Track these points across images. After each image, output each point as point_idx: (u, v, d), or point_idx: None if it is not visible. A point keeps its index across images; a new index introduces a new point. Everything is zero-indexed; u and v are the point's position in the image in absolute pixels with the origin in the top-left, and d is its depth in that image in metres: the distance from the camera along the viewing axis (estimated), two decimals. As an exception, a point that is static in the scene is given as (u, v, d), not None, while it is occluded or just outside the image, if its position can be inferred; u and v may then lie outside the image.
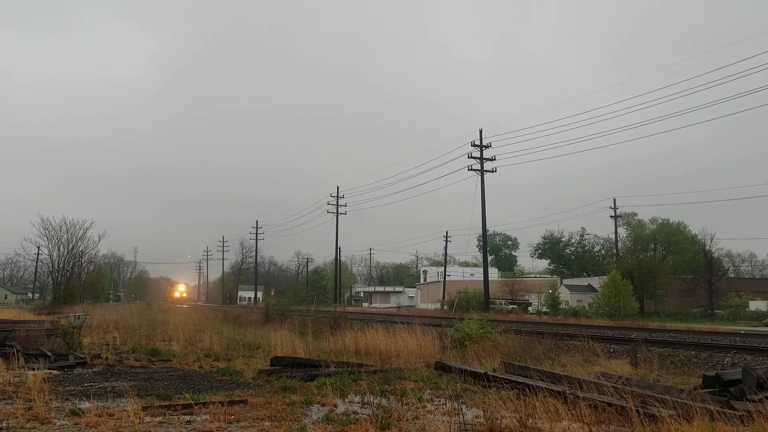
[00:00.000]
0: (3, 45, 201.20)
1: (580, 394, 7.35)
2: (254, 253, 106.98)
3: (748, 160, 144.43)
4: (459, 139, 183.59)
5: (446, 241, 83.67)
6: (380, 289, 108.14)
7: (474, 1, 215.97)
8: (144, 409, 7.00)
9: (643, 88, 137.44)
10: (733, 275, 78.93)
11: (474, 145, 48.99)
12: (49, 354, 12.60)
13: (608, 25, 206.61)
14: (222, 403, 7.44)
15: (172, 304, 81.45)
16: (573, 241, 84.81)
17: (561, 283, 74.33)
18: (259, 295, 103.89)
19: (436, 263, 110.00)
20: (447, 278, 78.10)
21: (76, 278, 51.34)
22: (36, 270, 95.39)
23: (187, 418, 6.85)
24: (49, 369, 10.97)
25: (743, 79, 33.05)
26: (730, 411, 6.53)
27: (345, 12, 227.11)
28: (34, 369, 10.45)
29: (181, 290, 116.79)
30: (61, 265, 51.00)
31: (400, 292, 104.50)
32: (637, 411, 6.25)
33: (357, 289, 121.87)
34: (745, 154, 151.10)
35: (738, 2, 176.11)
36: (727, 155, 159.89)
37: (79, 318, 18.71)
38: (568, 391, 7.55)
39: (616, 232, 69.63)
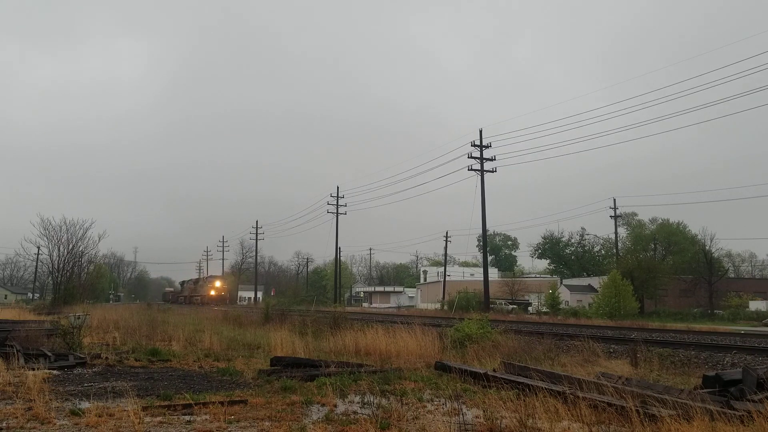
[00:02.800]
0: (9, 52, 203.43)
1: (580, 394, 7.35)
2: (254, 253, 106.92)
3: (747, 160, 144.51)
4: (455, 141, 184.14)
5: (446, 241, 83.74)
6: (380, 289, 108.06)
7: (460, 17, 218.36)
8: (144, 409, 7.00)
9: (641, 89, 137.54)
10: (733, 275, 79.02)
11: (474, 145, 48.97)
12: (49, 354, 12.59)
13: (592, 34, 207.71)
14: (222, 403, 7.44)
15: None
16: (573, 241, 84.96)
17: (561, 283, 74.38)
18: (259, 295, 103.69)
19: (436, 263, 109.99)
20: (447, 278, 78.10)
21: (76, 278, 51.38)
22: (36, 270, 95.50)
23: (187, 418, 6.85)
24: (49, 369, 10.97)
25: (741, 80, 33.06)
26: (730, 411, 6.53)
27: (341, 17, 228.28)
28: (34, 369, 10.44)
29: (217, 286, 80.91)
30: (61, 265, 51.04)
31: (400, 292, 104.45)
32: (637, 411, 6.26)
33: (357, 289, 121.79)
34: (745, 154, 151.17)
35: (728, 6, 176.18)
36: (726, 155, 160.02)
37: (79, 318, 18.71)
38: (568, 391, 7.55)
39: (616, 232, 69.71)
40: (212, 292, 78.92)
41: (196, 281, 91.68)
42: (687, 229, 70.70)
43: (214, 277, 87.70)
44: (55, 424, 6.43)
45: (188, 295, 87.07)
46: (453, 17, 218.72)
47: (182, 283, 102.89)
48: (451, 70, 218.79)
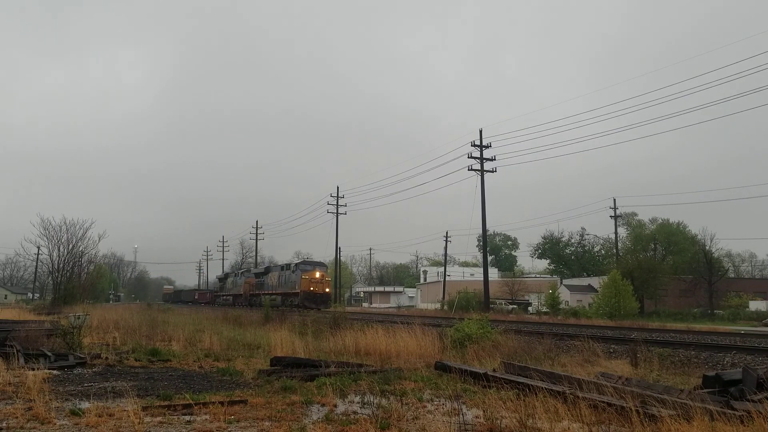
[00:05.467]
0: (13, 58, 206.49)
1: (580, 394, 7.35)
2: (254, 253, 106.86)
3: (747, 160, 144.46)
4: (454, 141, 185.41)
5: (446, 241, 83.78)
6: (380, 289, 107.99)
7: (452, 30, 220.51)
8: (144, 409, 7.00)
9: (638, 91, 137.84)
10: (733, 275, 79.03)
11: (474, 145, 48.96)
12: (49, 354, 12.59)
13: (577, 42, 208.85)
14: (222, 403, 7.44)
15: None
16: (573, 241, 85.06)
17: (561, 283, 74.44)
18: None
19: (436, 263, 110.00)
20: (447, 278, 78.11)
21: (76, 278, 51.36)
22: (36, 270, 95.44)
23: (187, 418, 6.85)
24: (49, 369, 10.97)
25: (738, 81, 33.05)
26: (730, 411, 6.53)
27: (339, 22, 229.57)
28: (34, 369, 10.43)
29: (317, 278, 49.53)
30: (61, 265, 51.05)
31: (400, 292, 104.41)
32: (637, 411, 6.26)
33: (357, 289, 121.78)
34: (744, 154, 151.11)
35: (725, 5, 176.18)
36: (726, 155, 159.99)
37: (79, 318, 18.66)
38: (568, 391, 7.55)
39: (616, 232, 69.74)
40: (312, 288, 47.38)
41: (266, 271, 59.20)
42: (687, 229, 70.79)
43: (314, 265, 51.40)
44: (55, 424, 6.43)
45: (247, 293, 58.62)
46: (445, 30, 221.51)
47: (225, 277, 73.42)
48: (448, 78, 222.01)
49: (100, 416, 6.70)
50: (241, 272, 67.40)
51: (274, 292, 52.56)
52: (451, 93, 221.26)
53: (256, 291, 58.02)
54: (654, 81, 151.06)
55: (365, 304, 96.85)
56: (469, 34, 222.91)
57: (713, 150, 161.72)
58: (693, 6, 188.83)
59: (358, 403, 8.01)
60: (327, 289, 49.43)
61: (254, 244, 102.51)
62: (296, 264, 51.77)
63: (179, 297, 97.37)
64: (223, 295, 69.57)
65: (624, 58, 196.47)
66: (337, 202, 73.94)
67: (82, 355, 12.87)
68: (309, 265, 51.59)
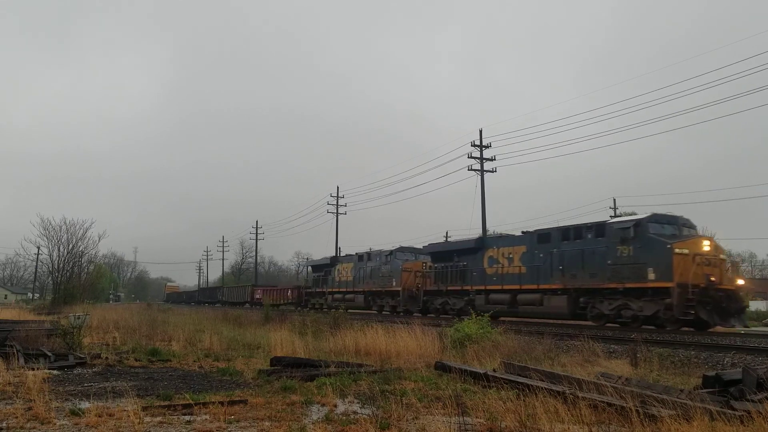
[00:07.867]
0: (17, 63, 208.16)
1: (580, 394, 7.35)
2: (254, 253, 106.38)
3: (747, 160, 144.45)
4: (454, 142, 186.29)
5: (446, 241, 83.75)
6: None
7: (451, 31, 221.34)
8: (144, 409, 7.00)
9: (639, 91, 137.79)
10: (733, 275, 78.93)
11: (474, 145, 48.95)
12: (49, 354, 12.59)
13: (567, 48, 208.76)
14: (222, 403, 7.44)
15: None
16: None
17: (561, 283, 74.23)
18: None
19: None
20: (447, 278, 77.62)
21: (76, 278, 51.30)
22: (36, 270, 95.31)
23: (187, 418, 6.85)
24: (49, 369, 10.97)
25: (740, 80, 33.03)
26: (730, 411, 6.54)
27: (340, 22, 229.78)
28: (34, 369, 10.42)
29: (704, 252, 19.43)
30: (61, 265, 50.99)
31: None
32: (637, 411, 6.26)
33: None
34: (745, 154, 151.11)
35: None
36: (726, 155, 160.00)
37: (79, 318, 18.67)
38: (567, 391, 7.55)
39: (616, 232, 69.56)
40: (712, 278, 19.65)
41: (478, 246, 27.92)
42: (687, 229, 70.66)
43: (678, 225, 20.72)
44: (55, 424, 6.43)
45: (412, 287, 32.73)
46: (444, 34, 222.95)
47: (332, 264, 43.93)
48: (447, 81, 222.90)
49: (100, 416, 6.70)
50: (386, 253, 36.68)
51: (522, 287, 24.62)
52: (450, 95, 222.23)
53: (441, 285, 30.27)
54: (654, 82, 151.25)
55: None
56: (469, 38, 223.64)
57: (713, 150, 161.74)
58: (684, 8, 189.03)
59: (358, 403, 8.01)
60: (740, 280, 22.04)
61: (254, 244, 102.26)
62: (641, 219, 21.23)
63: (214, 295, 72.51)
64: (332, 293, 41.14)
65: (615, 61, 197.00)
66: (337, 202, 73.87)
67: (82, 355, 12.87)
68: (672, 224, 21.38)
